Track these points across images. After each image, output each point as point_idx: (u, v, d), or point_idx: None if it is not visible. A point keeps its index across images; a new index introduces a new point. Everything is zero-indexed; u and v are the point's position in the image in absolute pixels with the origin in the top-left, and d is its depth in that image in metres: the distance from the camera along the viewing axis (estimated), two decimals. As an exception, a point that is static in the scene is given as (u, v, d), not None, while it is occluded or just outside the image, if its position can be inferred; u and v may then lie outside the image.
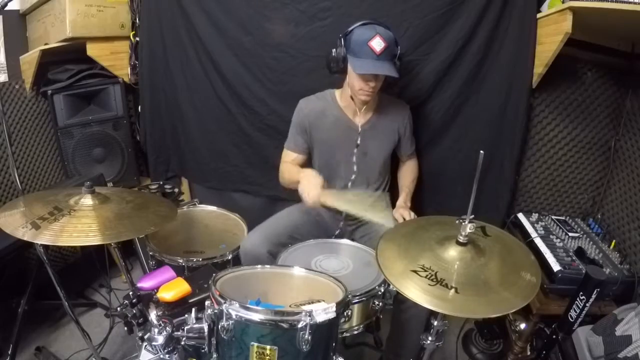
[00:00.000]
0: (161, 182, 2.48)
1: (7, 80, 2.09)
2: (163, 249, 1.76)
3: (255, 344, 1.08)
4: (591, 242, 1.83)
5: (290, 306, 1.23)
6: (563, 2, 1.62)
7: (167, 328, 1.17)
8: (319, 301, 1.24)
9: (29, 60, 2.14)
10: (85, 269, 2.39)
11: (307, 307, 1.15)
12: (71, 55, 2.23)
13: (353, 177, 1.83)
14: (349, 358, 1.81)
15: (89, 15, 2.13)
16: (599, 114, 1.98)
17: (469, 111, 2.01)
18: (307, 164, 1.92)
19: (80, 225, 1.25)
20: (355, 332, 1.45)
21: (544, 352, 1.53)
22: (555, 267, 1.62)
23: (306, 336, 1.06)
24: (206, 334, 1.15)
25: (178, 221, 1.93)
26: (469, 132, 2.04)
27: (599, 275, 1.30)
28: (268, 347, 1.07)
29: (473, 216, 1.16)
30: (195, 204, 2.14)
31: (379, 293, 1.44)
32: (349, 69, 1.65)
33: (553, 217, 2.02)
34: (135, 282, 1.34)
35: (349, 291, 1.27)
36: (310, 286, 1.34)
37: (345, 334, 1.44)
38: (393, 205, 1.86)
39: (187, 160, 2.47)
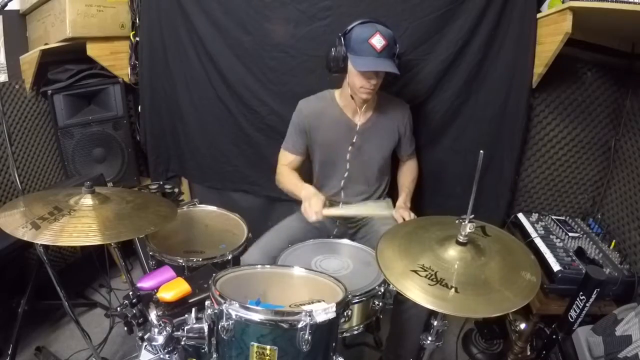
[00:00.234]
0: (161, 182, 2.48)
1: (7, 80, 2.10)
2: (163, 249, 1.76)
3: (255, 344, 1.08)
4: (591, 242, 1.83)
5: (290, 306, 1.23)
6: (563, 2, 1.62)
7: (167, 328, 1.17)
8: (319, 301, 1.24)
9: (29, 60, 2.14)
10: (85, 269, 2.39)
11: (307, 307, 1.15)
12: (71, 55, 2.23)
13: (346, 174, 1.82)
14: (349, 358, 1.81)
15: (89, 15, 2.13)
16: (599, 114, 1.98)
17: (469, 111, 2.01)
18: (305, 165, 1.92)
19: (80, 225, 1.25)
20: (355, 332, 1.45)
21: (544, 352, 1.53)
22: (555, 267, 1.62)
23: (306, 336, 1.06)
24: (206, 334, 1.15)
25: (178, 221, 1.92)
26: (469, 132, 2.04)
27: (599, 275, 1.30)
28: (268, 347, 1.07)
29: (473, 216, 1.16)
30: (195, 204, 2.14)
31: (379, 293, 1.44)
32: (349, 68, 1.65)
33: (553, 217, 2.02)
34: (135, 282, 1.34)
35: (349, 291, 1.27)
36: (310, 286, 1.34)
37: (345, 334, 1.44)
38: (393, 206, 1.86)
39: (187, 160, 2.47)
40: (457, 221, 1.20)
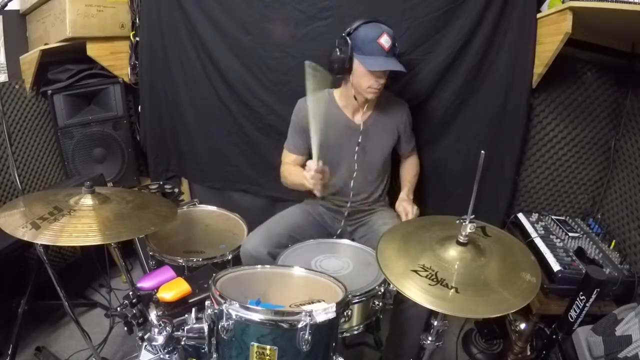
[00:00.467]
0: (161, 182, 2.48)
1: (7, 80, 2.10)
2: (163, 249, 1.76)
3: (255, 344, 1.08)
4: (591, 242, 1.83)
5: (290, 306, 1.23)
6: (563, 2, 1.62)
7: (167, 328, 1.17)
8: (319, 301, 1.24)
9: (29, 60, 2.14)
10: (85, 269, 2.39)
11: (307, 307, 1.15)
12: (71, 55, 2.23)
13: (355, 174, 1.83)
14: (349, 358, 1.82)
15: (89, 15, 2.13)
16: (599, 114, 1.98)
17: (469, 111, 2.01)
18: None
19: (80, 225, 1.25)
20: (355, 332, 1.45)
21: (544, 352, 1.53)
22: (555, 267, 1.62)
23: (306, 336, 1.06)
24: (206, 334, 1.15)
25: (178, 221, 1.93)
26: (469, 132, 2.04)
27: (599, 275, 1.30)
28: (268, 347, 1.07)
29: (473, 216, 1.16)
30: (195, 204, 2.14)
31: (379, 293, 1.44)
32: (355, 68, 1.65)
33: (553, 217, 2.02)
34: (135, 282, 1.35)
35: (349, 291, 1.27)
36: (310, 286, 1.34)
37: (345, 334, 1.44)
38: (393, 204, 1.85)
39: (187, 160, 2.47)
40: (457, 221, 1.20)
